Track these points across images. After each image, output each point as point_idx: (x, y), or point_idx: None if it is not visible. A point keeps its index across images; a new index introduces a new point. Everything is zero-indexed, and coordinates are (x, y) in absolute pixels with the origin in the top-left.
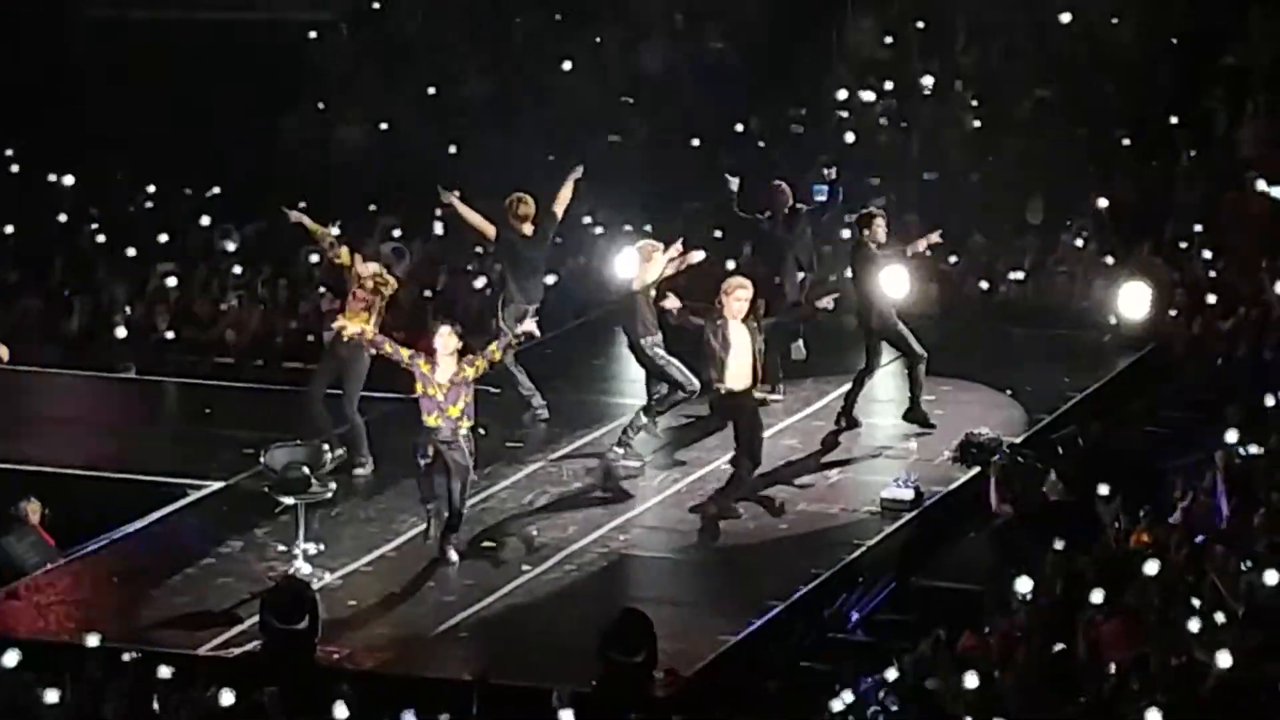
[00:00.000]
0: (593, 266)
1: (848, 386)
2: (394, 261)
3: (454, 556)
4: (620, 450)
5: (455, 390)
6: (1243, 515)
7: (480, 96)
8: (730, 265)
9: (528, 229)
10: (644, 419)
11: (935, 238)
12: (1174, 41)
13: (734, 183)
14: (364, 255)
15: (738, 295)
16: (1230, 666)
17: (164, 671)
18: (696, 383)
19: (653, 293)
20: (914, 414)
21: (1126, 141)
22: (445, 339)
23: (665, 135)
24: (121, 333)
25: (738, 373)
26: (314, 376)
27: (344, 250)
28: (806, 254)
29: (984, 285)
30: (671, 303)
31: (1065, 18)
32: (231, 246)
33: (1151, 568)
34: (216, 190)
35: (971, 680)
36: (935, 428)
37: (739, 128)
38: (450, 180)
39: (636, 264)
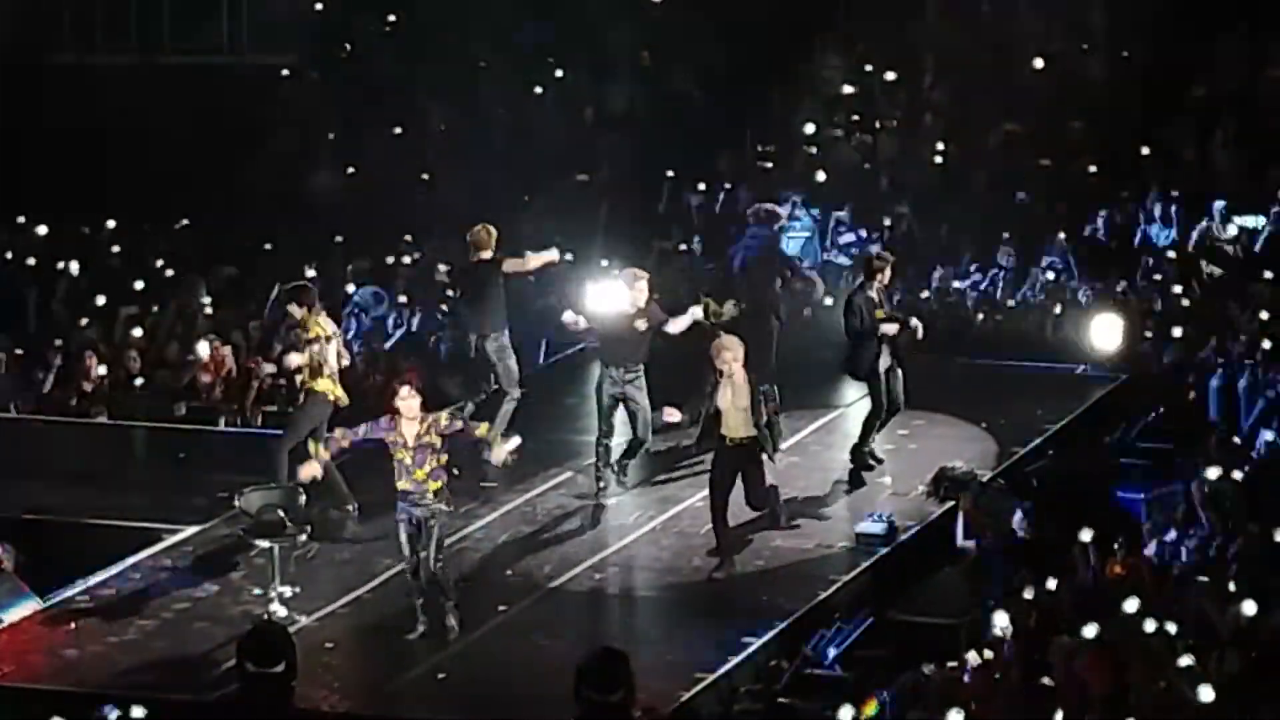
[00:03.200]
0: (562, 305)
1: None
2: (372, 305)
3: (452, 623)
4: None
5: (421, 453)
6: (1219, 544)
7: (448, 137)
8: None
9: (485, 254)
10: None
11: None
12: (1142, 73)
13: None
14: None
15: (723, 358)
16: (1212, 698)
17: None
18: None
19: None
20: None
21: (1094, 172)
22: (406, 401)
23: (633, 173)
24: (93, 379)
25: (738, 421)
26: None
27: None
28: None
29: (959, 319)
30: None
31: (1033, 52)
32: (201, 296)
33: (1130, 604)
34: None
35: (953, 716)
36: (877, 465)
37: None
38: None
39: (625, 292)
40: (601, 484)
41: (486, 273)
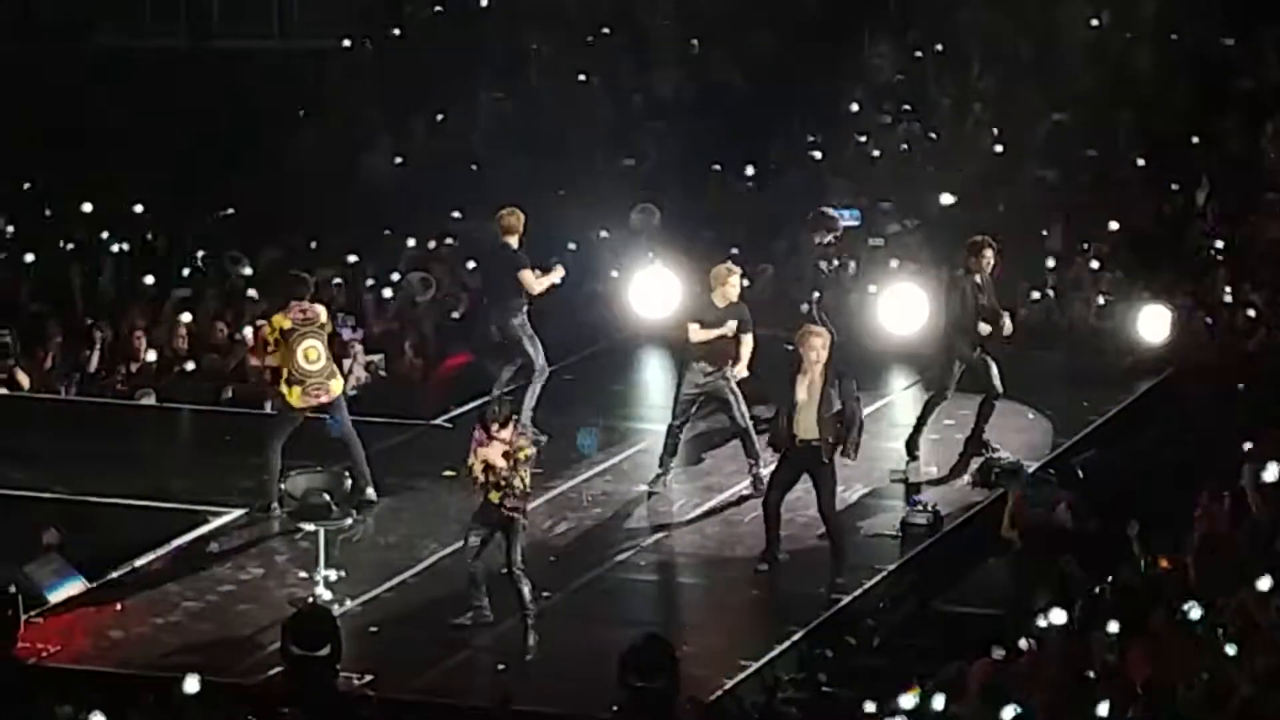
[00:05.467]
0: (607, 292)
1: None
2: (420, 291)
3: (532, 641)
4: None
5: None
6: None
7: (496, 121)
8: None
9: (512, 239)
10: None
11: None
12: (1191, 65)
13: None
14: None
15: (811, 345)
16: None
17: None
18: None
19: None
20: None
21: (1143, 163)
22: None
23: (681, 160)
24: (141, 362)
25: (810, 420)
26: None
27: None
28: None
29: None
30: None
31: (1081, 41)
32: (247, 271)
33: (1176, 597)
34: (231, 212)
35: (996, 705)
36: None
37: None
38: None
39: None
40: (661, 471)
41: (510, 260)
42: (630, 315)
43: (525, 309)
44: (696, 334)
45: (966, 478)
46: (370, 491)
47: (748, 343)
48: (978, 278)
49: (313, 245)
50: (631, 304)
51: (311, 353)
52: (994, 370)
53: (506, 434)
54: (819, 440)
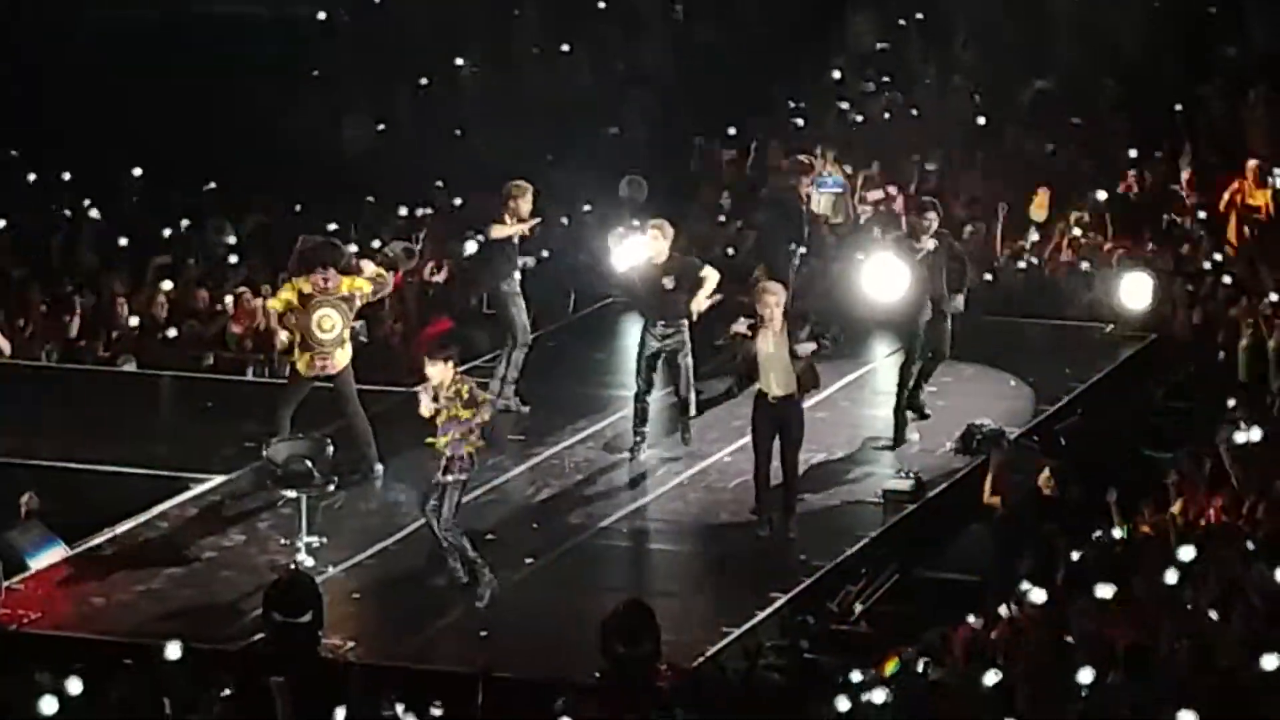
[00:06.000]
0: (590, 259)
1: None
2: (404, 260)
3: (484, 593)
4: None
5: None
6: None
7: (479, 88)
8: (731, 251)
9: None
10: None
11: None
12: (1173, 31)
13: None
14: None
15: (765, 302)
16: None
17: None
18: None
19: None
20: (913, 402)
21: (1127, 130)
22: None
23: (664, 128)
24: (122, 328)
25: (777, 376)
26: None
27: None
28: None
29: (987, 276)
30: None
31: (1064, 8)
32: (230, 240)
33: (1157, 563)
34: (213, 185)
35: (978, 671)
36: (929, 417)
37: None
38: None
39: (649, 245)
40: (638, 439)
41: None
42: (616, 280)
43: (516, 275)
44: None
45: (949, 445)
46: (379, 468)
47: (712, 279)
48: (927, 240)
49: (297, 209)
50: (616, 271)
51: (325, 321)
52: (946, 332)
53: (438, 370)
54: (788, 395)
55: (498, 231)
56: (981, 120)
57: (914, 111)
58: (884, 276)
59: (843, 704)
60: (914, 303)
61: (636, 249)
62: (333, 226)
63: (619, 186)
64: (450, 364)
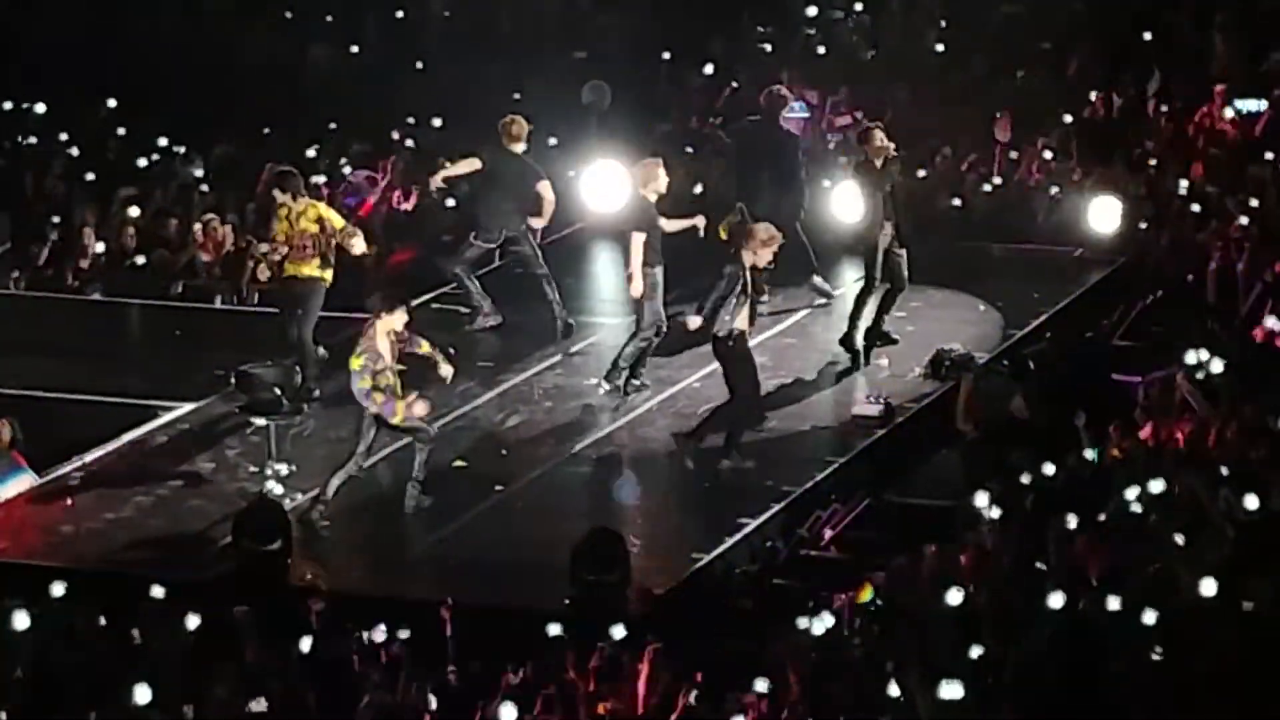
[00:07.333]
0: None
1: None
2: (365, 189)
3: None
4: (608, 384)
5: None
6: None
7: (445, 14)
8: (699, 189)
9: (518, 147)
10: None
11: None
12: None
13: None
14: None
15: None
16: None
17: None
18: (665, 324)
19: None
20: (876, 333)
21: (1094, 54)
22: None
23: (632, 54)
24: (90, 256)
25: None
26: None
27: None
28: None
29: (955, 201)
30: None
31: None
32: (198, 173)
33: (1125, 487)
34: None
35: (953, 595)
36: (897, 342)
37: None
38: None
39: (642, 180)
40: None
41: (520, 166)
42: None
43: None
44: (669, 226)
45: (918, 370)
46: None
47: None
48: (878, 162)
49: (264, 133)
50: (583, 197)
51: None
52: (902, 261)
53: (396, 318)
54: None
55: (551, 202)
56: (943, 46)
57: (880, 37)
58: (851, 202)
59: (817, 627)
60: (872, 225)
61: (608, 180)
62: (311, 153)
63: (581, 92)
64: (399, 311)
